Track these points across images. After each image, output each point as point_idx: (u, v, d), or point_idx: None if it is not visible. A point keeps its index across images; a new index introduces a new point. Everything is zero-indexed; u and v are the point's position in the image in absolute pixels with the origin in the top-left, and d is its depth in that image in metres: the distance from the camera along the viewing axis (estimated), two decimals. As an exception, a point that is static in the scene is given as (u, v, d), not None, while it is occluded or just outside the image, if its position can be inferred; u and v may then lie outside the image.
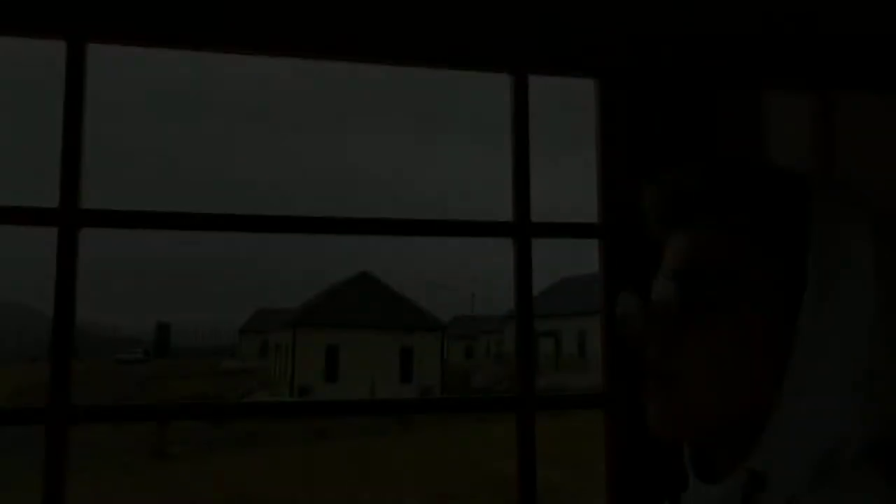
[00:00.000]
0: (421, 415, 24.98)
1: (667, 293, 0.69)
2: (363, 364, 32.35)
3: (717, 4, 1.33)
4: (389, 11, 1.26)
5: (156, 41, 1.22)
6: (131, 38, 1.20)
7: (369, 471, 14.71)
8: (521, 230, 1.28)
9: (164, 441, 19.29)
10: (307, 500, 12.76)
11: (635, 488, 1.27)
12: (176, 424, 24.17)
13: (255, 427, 22.02)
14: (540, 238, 1.29)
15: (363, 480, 14.04)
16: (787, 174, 0.71)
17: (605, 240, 1.31)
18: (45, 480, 1.09)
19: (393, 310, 35.39)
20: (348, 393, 31.34)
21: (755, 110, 1.35)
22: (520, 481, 1.24)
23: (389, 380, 33.18)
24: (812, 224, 0.66)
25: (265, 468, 16.13)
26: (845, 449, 0.62)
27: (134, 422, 1.15)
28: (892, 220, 0.70)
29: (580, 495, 11.29)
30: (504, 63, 1.31)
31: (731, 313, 0.65)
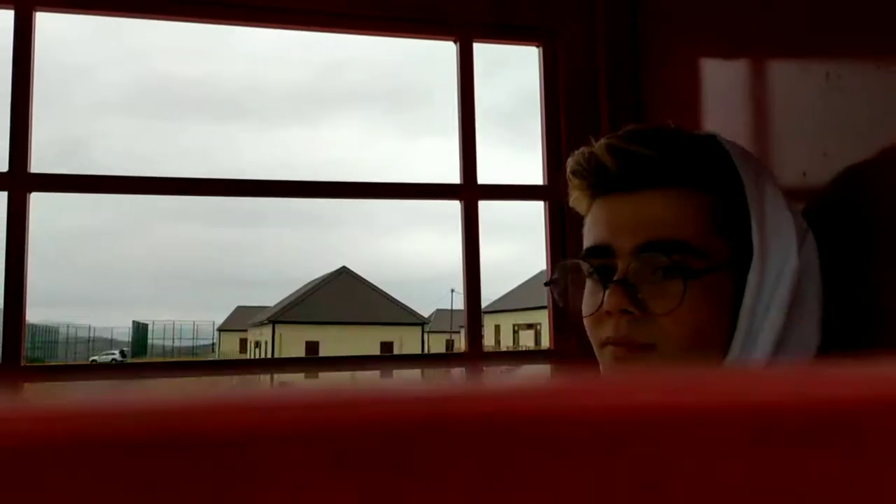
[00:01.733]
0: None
1: (640, 269, 0.71)
2: (343, 360, 32.30)
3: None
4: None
5: (104, 8, 1.24)
6: (79, 4, 1.22)
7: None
8: (468, 192, 1.32)
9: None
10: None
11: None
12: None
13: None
14: (488, 200, 1.33)
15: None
16: (708, 137, 0.79)
17: (551, 201, 1.35)
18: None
19: (373, 305, 35.40)
20: (329, 389, 31.28)
21: (695, 74, 1.39)
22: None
23: (370, 375, 33.17)
24: (742, 179, 0.74)
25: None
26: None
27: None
28: None
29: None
30: (449, 30, 1.35)
31: (704, 284, 0.70)
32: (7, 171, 1.15)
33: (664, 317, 0.69)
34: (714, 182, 0.73)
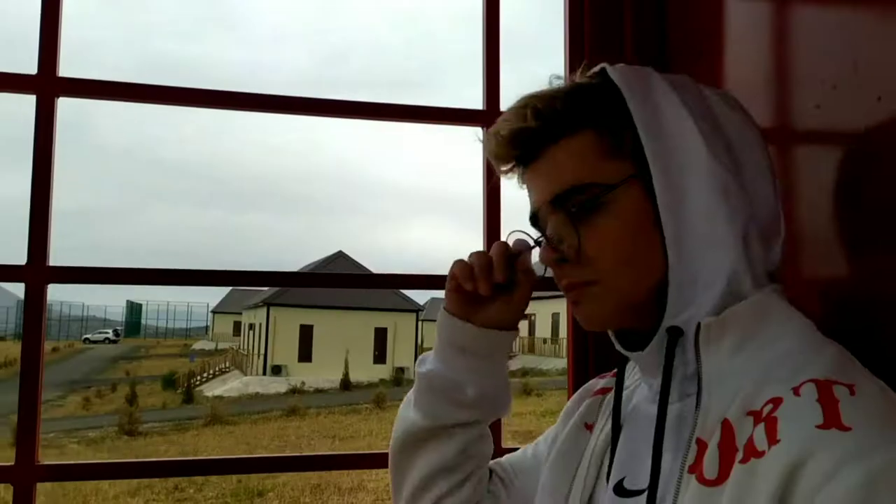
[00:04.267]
0: (394, 395, 25.09)
1: (558, 219, 0.77)
2: (337, 344, 32.32)
3: None
4: None
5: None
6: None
7: (341, 442, 14.80)
8: (491, 117, 1.33)
9: (133, 419, 19.18)
10: (279, 470, 12.81)
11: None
12: (144, 403, 24.06)
13: (226, 409, 21.99)
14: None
15: (335, 450, 14.13)
16: (598, 74, 0.80)
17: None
18: (24, 335, 1.13)
19: (368, 291, 35.32)
20: (322, 372, 31.34)
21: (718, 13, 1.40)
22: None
23: (363, 360, 33.21)
24: (629, 102, 0.75)
25: (236, 442, 16.15)
26: (740, 282, 0.71)
27: (113, 283, 1.18)
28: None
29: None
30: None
31: (610, 209, 0.74)
32: (37, 74, 1.16)
33: (591, 253, 0.75)
34: (601, 115, 0.76)
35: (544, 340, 36.66)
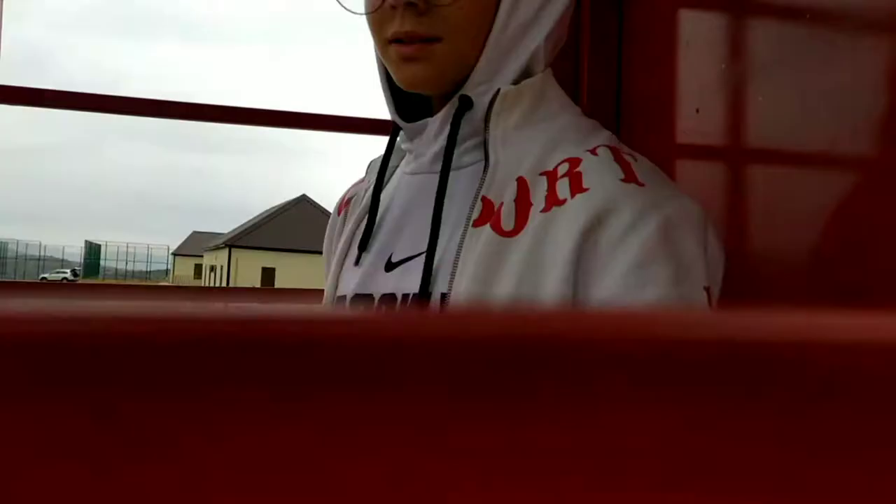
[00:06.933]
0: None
1: None
2: (299, 287, 32.26)
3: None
4: None
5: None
6: None
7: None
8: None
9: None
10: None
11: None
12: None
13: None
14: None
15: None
16: None
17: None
18: None
19: (331, 235, 35.14)
20: (285, 316, 31.31)
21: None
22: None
23: (326, 303, 33.23)
24: None
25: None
26: (535, 62, 0.74)
27: (67, 109, 1.22)
28: None
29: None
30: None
31: None
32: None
33: (448, 7, 0.70)
34: None
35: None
